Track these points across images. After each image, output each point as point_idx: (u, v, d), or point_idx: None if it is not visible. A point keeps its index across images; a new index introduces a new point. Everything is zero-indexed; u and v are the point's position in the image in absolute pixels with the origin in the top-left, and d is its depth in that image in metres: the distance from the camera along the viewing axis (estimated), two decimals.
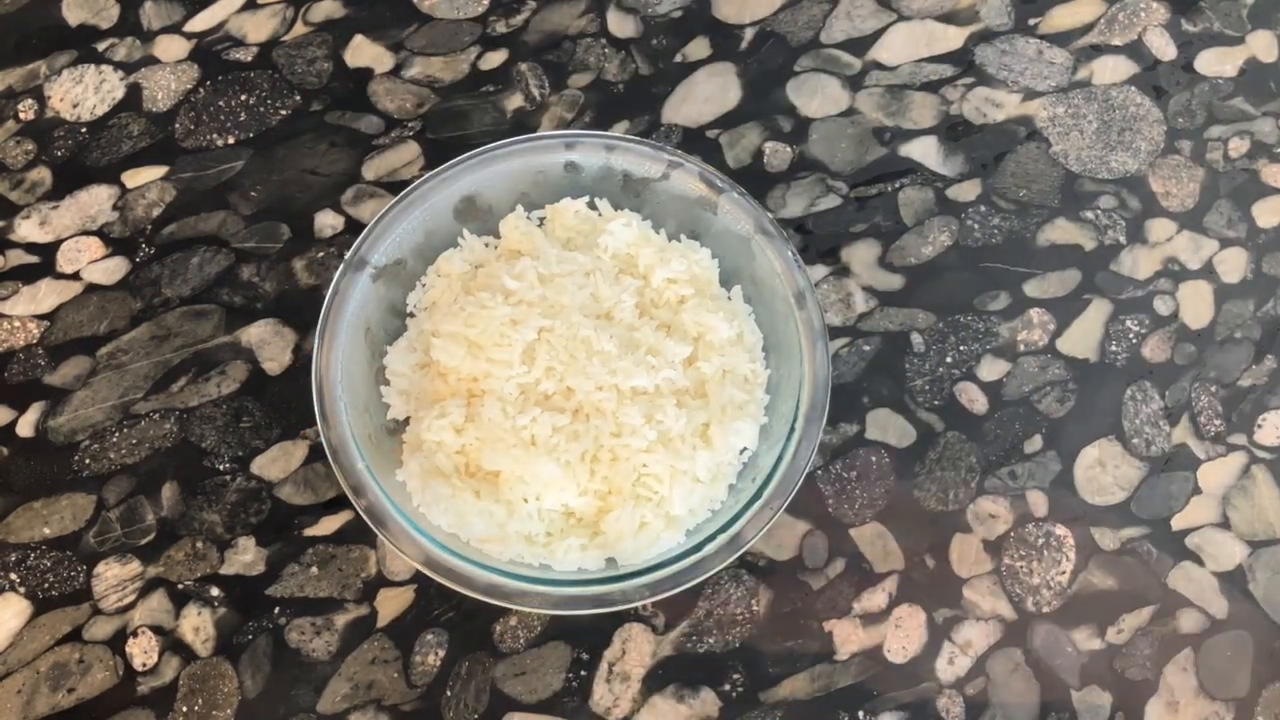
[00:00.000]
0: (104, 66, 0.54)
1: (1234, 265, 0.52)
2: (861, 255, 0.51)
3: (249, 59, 0.54)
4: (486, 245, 0.46)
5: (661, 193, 0.45)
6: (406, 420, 0.43)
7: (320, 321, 0.41)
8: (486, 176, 0.44)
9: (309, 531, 0.46)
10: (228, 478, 0.47)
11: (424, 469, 0.41)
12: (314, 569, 0.45)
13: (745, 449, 0.43)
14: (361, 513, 0.39)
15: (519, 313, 0.41)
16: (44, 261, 0.50)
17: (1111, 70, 0.55)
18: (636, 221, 0.45)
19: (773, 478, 0.40)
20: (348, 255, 0.42)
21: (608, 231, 0.44)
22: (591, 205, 0.46)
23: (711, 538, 0.40)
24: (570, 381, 0.41)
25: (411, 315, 0.45)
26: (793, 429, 0.41)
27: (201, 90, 0.53)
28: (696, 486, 0.41)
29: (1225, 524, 0.48)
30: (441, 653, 0.44)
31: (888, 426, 0.48)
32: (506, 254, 0.45)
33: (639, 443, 0.41)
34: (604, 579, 0.39)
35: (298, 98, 0.53)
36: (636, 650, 0.44)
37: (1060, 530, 0.47)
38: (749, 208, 0.44)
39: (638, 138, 0.45)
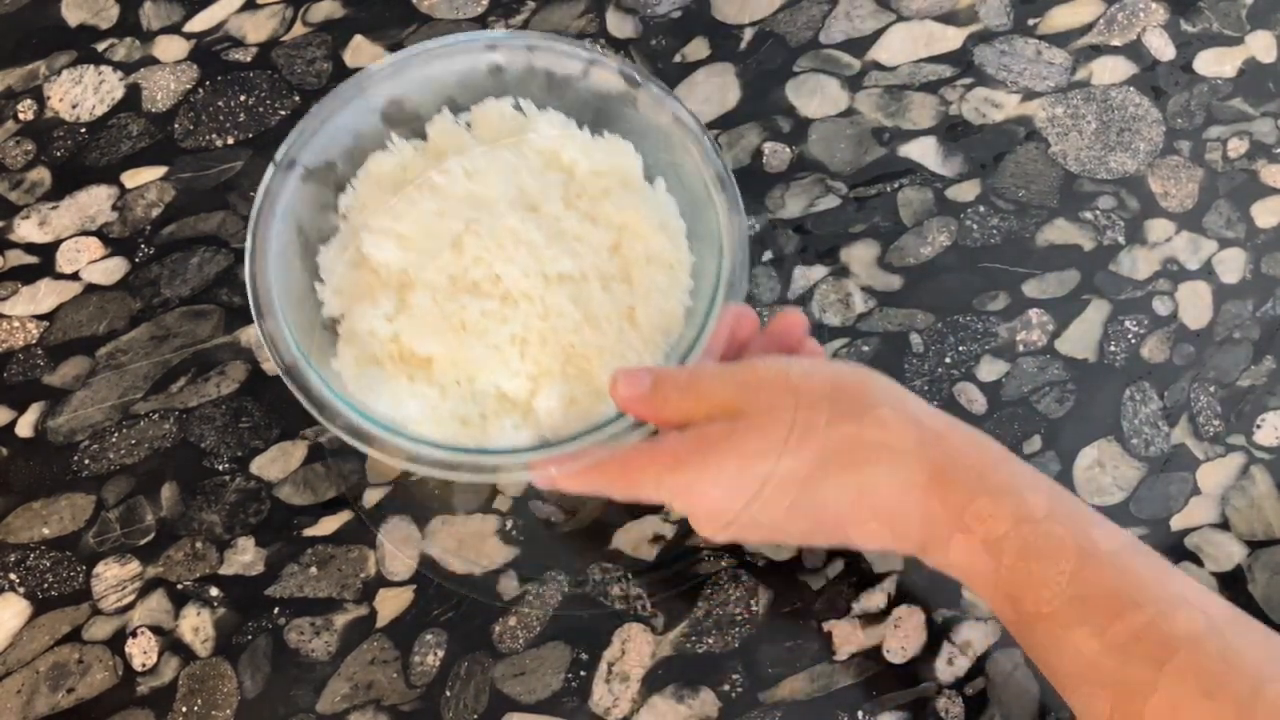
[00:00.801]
0: (103, 67, 0.54)
1: (1233, 265, 0.52)
2: (860, 255, 0.51)
3: (248, 59, 0.54)
4: (415, 149, 0.47)
5: (584, 90, 0.46)
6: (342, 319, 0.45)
7: (252, 221, 0.42)
8: (411, 80, 0.45)
9: (308, 532, 0.46)
10: (227, 478, 0.47)
11: (358, 358, 0.42)
12: (313, 569, 0.45)
13: (670, 332, 0.44)
14: (296, 391, 0.39)
15: (446, 206, 0.43)
16: (43, 262, 0.50)
17: (1110, 71, 0.55)
18: (560, 119, 0.46)
19: (694, 350, 0.41)
20: (276, 156, 0.43)
21: (533, 129, 0.46)
22: (517, 107, 0.47)
23: None
24: (498, 269, 0.42)
25: (344, 218, 0.46)
26: (713, 304, 0.41)
27: (201, 90, 0.53)
28: (624, 363, 0.42)
29: (1224, 524, 0.48)
30: (441, 653, 0.44)
31: None
32: (434, 155, 0.46)
33: (566, 324, 0.42)
34: (535, 447, 0.40)
35: (297, 98, 0.53)
36: (636, 650, 0.44)
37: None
38: (667, 100, 0.45)
39: (556, 35, 0.45)
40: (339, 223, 0.45)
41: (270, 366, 0.48)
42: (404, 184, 0.45)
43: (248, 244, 0.41)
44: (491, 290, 0.42)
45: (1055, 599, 0.34)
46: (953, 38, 0.56)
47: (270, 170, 0.42)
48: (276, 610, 0.45)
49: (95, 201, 0.51)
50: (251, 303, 0.40)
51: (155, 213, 0.51)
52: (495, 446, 0.41)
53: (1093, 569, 0.34)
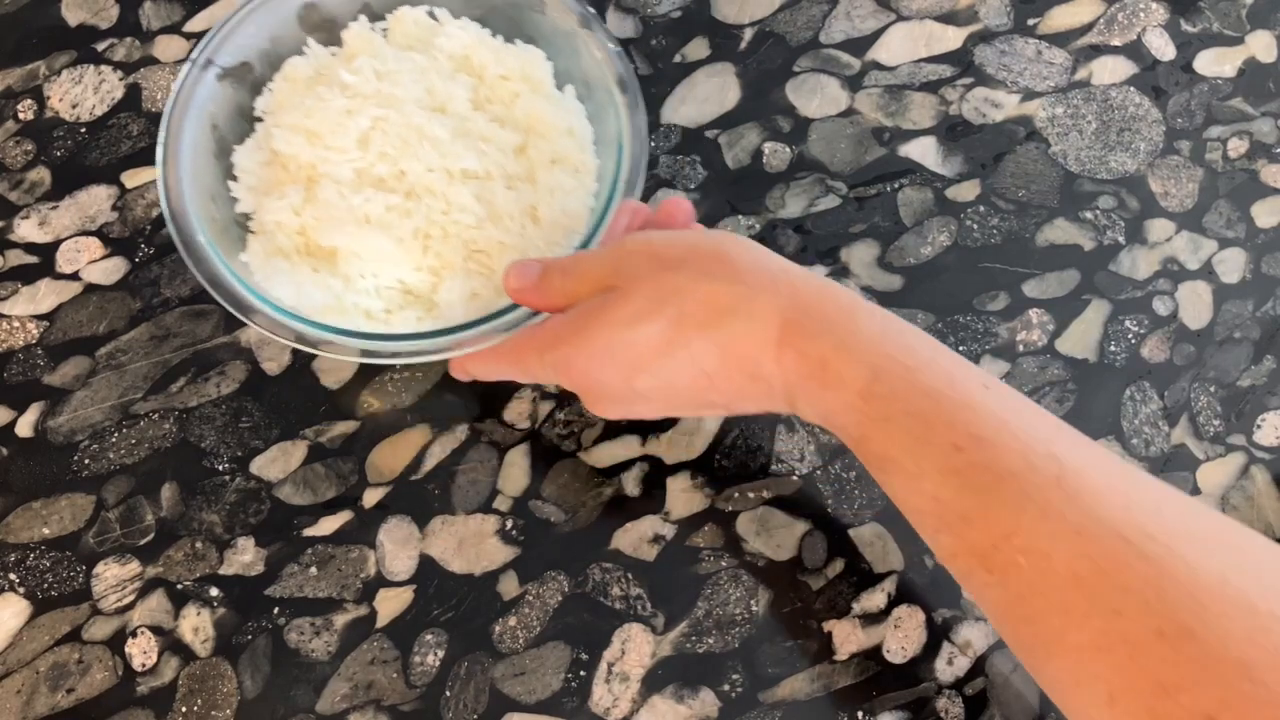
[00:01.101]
0: (103, 67, 0.54)
1: (1233, 265, 0.52)
2: (861, 255, 0.51)
3: None
4: (332, 54, 0.48)
5: None
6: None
7: (165, 116, 0.43)
8: None
9: (308, 532, 0.46)
10: (227, 478, 0.47)
11: (266, 250, 0.43)
12: (313, 569, 0.45)
13: (574, 232, 0.44)
14: (202, 279, 0.40)
15: (355, 104, 0.44)
16: (43, 262, 0.50)
17: (1111, 70, 0.55)
18: (474, 26, 0.47)
19: (590, 243, 0.42)
20: (193, 55, 0.44)
21: (445, 34, 0.46)
22: (431, 14, 0.48)
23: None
24: (403, 165, 0.43)
25: (260, 119, 0.46)
26: (610, 200, 0.42)
27: None
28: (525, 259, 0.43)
29: None
30: (441, 653, 0.44)
31: None
32: (349, 60, 0.47)
33: (468, 219, 0.43)
34: (429, 334, 0.40)
35: None
36: (636, 650, 0.44)
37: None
38: (574, 6, 0.46)
39: None
40: (255, 125, 0.46)
41: (271, 366, 0.48)
42: (317, 81, 0.46)
43: (160, 136, 0.42)
44: (396, 185, 0.43)
45: (904, 442, 0.33)
46: (953, 38, 0.56)
47: (186, 68, 0.44)
48: (276, 610, 0.45)
49: (95, 201, 0.51)
50: (160, 189, 0.41)
51: (155, 213, 0.51)
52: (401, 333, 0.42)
53: (939, 410, 0.33)
